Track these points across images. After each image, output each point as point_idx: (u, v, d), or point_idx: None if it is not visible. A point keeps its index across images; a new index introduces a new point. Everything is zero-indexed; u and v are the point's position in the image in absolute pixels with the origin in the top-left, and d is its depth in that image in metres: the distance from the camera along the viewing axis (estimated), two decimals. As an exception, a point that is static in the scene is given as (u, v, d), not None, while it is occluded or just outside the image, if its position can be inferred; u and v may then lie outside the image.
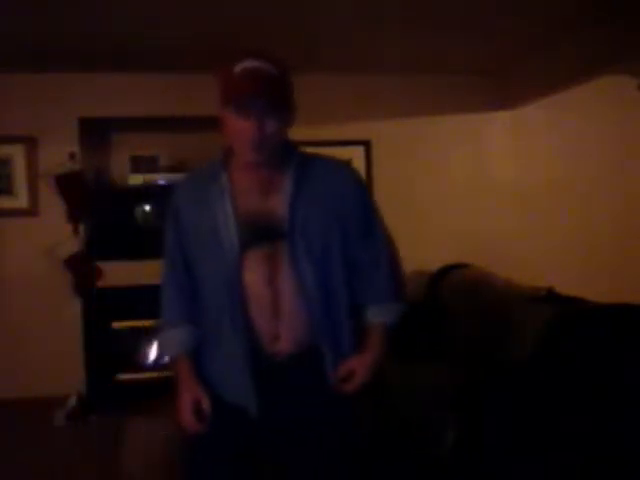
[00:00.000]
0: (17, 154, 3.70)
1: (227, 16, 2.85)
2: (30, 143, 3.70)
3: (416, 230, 4.09)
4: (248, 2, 2.68)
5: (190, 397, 1.48)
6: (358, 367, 1.51)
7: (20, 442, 3.12)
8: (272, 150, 1.41)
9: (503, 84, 4.11)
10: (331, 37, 3.24)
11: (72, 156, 3.69)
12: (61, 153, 3.67)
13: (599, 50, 3.09)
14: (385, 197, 4.08)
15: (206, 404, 1.48)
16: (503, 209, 4.21)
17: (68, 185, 3.67)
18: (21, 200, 3.72)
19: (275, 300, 1.42)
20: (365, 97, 4.02)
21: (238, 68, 1.37)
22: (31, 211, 3.72)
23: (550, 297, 2.65)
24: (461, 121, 4.16)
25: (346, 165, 1.66)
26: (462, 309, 3.25)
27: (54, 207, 3.69)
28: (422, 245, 4.05)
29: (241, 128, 1.37)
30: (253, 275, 1.43)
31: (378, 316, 1.59)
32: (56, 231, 3.68)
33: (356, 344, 1.54)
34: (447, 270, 3.79)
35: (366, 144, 4.03)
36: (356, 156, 4.02)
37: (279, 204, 1.44)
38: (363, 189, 1.59)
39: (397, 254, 1.68)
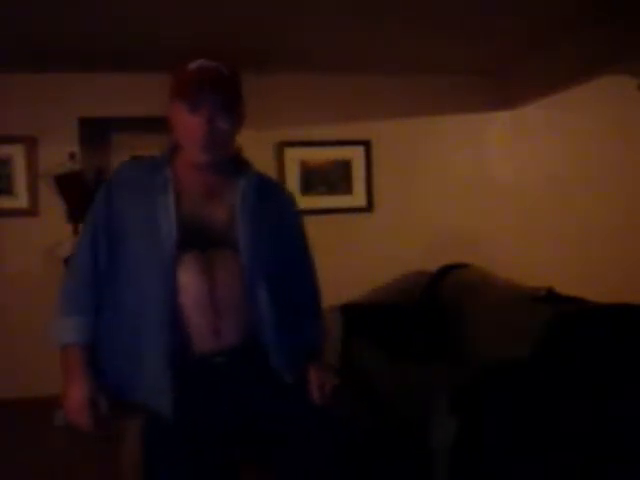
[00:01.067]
0: (17, 154, 3.70)
1: (227, 16, 2.85)
2: (30, 143, 3.70)
3: (416, 230, 4.09)
4: (248, 2, 2.69)
5: (82, 393, 1.40)
6: (318, 379, 1.55)
7: (20, 442, 3.12)
8: (221, 152, 1.41)
9: (503, 84, 4.11)
10: (331, 37, 3.24)
11: (72, 156, 3.69)
12: (61, 153, 3.67)
13: (599, 50, 3.09)
14: (385, 197, 4.12)
15: (103, 405, 1.41)
16: (503, 209, 4.21)
17: (68, 185, 3.67)
18: (21, 200, 3.72)
19: (213, 301, 1.39)
20: (365, 97, 4.02)
21: (192, 65, 1.40)
22: (31, 211, 3.72)
23: (550, 297, 2.66)
24: (461, 121, 4.16)
25: (286, 187, 1.72)
26: (462, 309, 3.25)
27: (54, 207, 3.69)
28: (422, 245, 4.06)
29: (191, 124, 1.36)
30: (189, 273, 1.38)
31: (321, 333, 1.63)
32: (56, 231, 3.68)
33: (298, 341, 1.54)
34: (447, 270, 3.79)
35: (366, 144, 4.03)
36: (356, 156, 4.02)
37: (222, 212, 1.42)
38: (299, 214, 1.64)
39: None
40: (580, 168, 4.28)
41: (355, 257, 4.01)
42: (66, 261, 3.64)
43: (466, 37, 3.29)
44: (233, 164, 1.49)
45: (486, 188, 4.20)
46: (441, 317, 3.48)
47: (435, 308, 3.61)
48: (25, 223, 3.72)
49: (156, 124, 3.98)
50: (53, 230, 3.69)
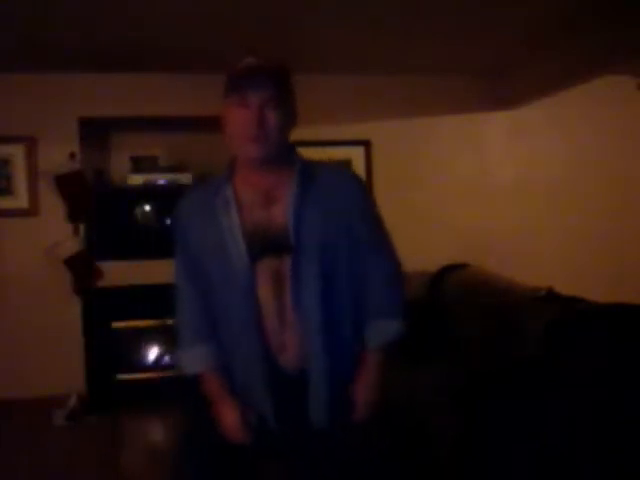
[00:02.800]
0: (17, 154, 3.70)
1: (227, 17, 2.85)
2: (30, 143, 3.70)
3: (416, 230, 4.09)
4: (248, 2, 2.69)
5: (234, 412, 1.48)
6: (358, 395, 1.50)
7: (20, 442, 3.12)
8: (272, 148, 1.38)
9: (503, 84, 4.11)
10: (331, 38, 3.24)
11: (72, 156, 3.69)
12: (61, 153, 3.67)
13: (599, 50, 3.09)
14: (385, 197, 4.08)
15: (251, 416, 1.48)
16: (503, 209, 4.21)
17: (68, 185, 3.67)
18: (21, 200, 3.72)
19: (281, 312, 1.41)
20: (365, 97, 4.02)
21: (242, 63, 1.40)
22: (31, 211, 3.72)
23: (550, 297, 2.66)
24: (461, 121, 4.16)
25: (350, 173, 1.61)
26: (462, 309, 3.25)
27: (54, 207, 3.69)
28: (422, 245, 4.05)
29: (240, 118, 1.36)
30: (262, 287, 1.41)
31: (379, 335, 1.54)
32: (56, 231, 3.68)
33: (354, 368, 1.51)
34: (447, 270, 3.79)
35: (366, 144, 4.03)
36: (356, 156, 4.02)
37: (282, 215, 1.40)
38: (369, 199, 1.55)
39: (402, 269, 1.67)
40: (580, 168, 4.28)
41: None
42: (66, 261, 3.65)
43: (466, 37, 3.29)
44: (286, 161, 1.46)
45: (486, 188, 4.20)
46: (441, 317, 3.48)
47: (435, 308, 3.61)
48: (25, 223, 3.72)
49: (156, 124, 4.00)
50: (53, 230, 3.69)
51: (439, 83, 4.11)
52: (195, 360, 1.53)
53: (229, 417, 1.48)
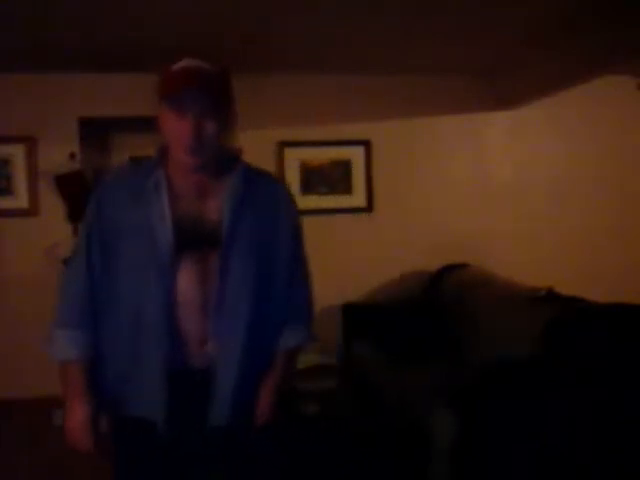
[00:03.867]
0: (17, 154, 3.70)
1: (227, 16, 2.85)
2: (30, 143, 3.70)
3: (416, 230, 4.09)
4: (248, 3, 2.68)
5: (84, 413, 1.39)
6: (263, 395, 1.48)
7: (20, 442, 3.12)
8: (210, 154, 1.36)
9: (503, 84, 4.11)
10: (331, 38, 3.23)
11: (72, 156, 3.69)
12: (61, 153, 3.67)
13: (599, 50, 3.09)
14: (385, 197, 4.12)
15: (103, 424, 1.42)
16: (503, 209, 4.21)
17: (68, 185, 3.67)
18: (21, 200, 3.72)
19: (203, 305, 1.37)
20: (365, 97, 4.02)
21: (177, 66, 1.35)
22: (31, 211, 3.72)
23: (550, 297, 2.66)
24: (461, 121, 4.16)
25: (283, 184, 1.62)
26: (462, 309, 3.25)
27: (54, 207, 3.69)
28: (422, 245, 4.05)
29: (177, 128, 1.31)
30: (183, 278, 1.36)
31: (289, 339, 1.52)
32: (56, 231, 3.68)
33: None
34: (447, 270, 3.79)
35: (366, 144, 4.03)
36: (356, 156, 4.02)
37: (216, 210, 1.39)
38: (296, 211, 1.55)
39: (310, 280, 1.61)
40: (580, 168, 4.28)
41: (355, 257, 4.01)
42: (65, 261, 3.64)
43: (465, 37, 3.29)
44: (225, 162, 1.44)
45: (486, 188, 4.20)
46: (441, 317, 3.48)
47: (435, 308, 3.61)
48: (25, 223, 3.72)
49: (156, 124, 4.00)
50: (53, 230, 3.69)
51: (439, 83, 4.11)
52: (70, 346, 1.42)
53: (77, 416, 1.40)
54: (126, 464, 1.47)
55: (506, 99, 4.11)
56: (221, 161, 1.42)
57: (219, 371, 1.39)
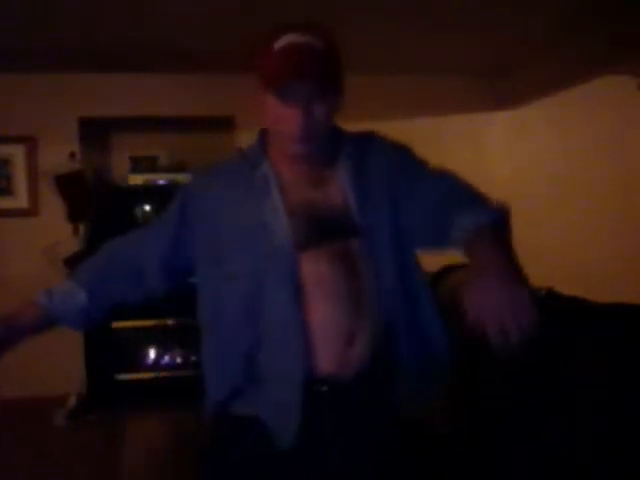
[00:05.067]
0: (17, 154, 3.70)
1: (227, 17, 2.85)
2: (30, 143, 3.70)
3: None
4: (248, 2, 2.69)
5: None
6: (484, 292, 1.05)
7: (20, 442, 3.12)
8: (320, 141, 1.21)
9: (503, 84, 4.11)
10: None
11: (72, 156, 3.69)
12: (61, 153, 3.67)
13: (599, 50, 3.09)
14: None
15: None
16: (503, 209, 4.21)
17: (68, 185, 3.67)
18: (21, 200, 3.72)
19: (354, 308, 1.17)
20: (365, 97, 4.02)
21: (279, 44, 1.14)
22: (31, 211, 3.72)
23: (550, 297, 2.65)
24: (461, 121, 4.16)
25: (379, 135, 1.41)
26: (462, 309, 3.25)
27: (54, 207, 3.69)
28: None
29: (284, 116, 1.14)
30: (312, 277, 1.16)
31: (470, 220, 1.25)
32: (56, 231, 3.68)
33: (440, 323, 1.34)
34: (447, 270, 3.79)
35: (366, 144, 4.03)
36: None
37: (338, 195, 1.22)
38: (407, 150, 1.36)
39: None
40: (580, 168, 4.28)
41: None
42: (65, 261, 3.64)
43: (466, 37, 3.29)
44: (334, 142, 1.28)
45: (486, 188, 4.15)
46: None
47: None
48: (25, 223, 3.72)
49: (156, 124, 4.00)
50: (53, 230, 3.69)
51: (439, 83, 4.11)
52: (49, 292, 1.31)
53: None
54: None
55: (506, 99, 4.12)
56: (331, 146, 1.27)
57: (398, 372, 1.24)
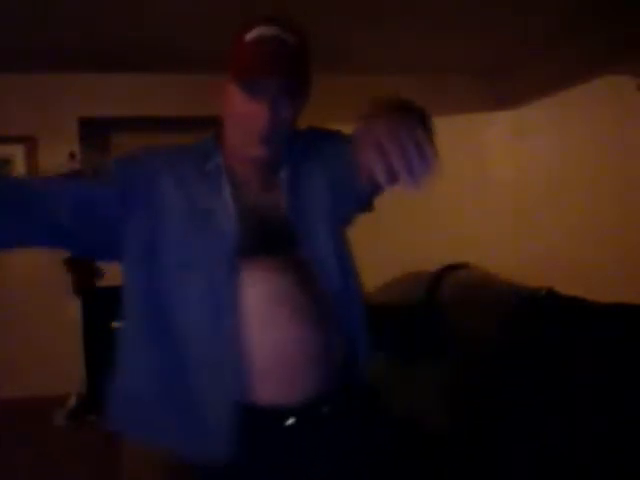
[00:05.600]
0: (17, 154, 3.70)
1: (227, 17, 2.85)
2: (30, 143, 3.70)
3: (416, 230, 4.09)
4: (249, 2, 2.69)
5: None
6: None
7: (20, 442, 3.12)
8: (280, 145, 1.12)
9: (503, 84, 4.11)
10: (331, 37, 3.23)
11: (72, 156, 3.69)
12: (61, 153, 3.67)
13: (599, 50, 3.10)
14: (384, 197, 4.11)
15: None
16: (503, 209, 4.21)
17: (68, 185, 3.67)
18: (21, 200, 3.73)
19: (307, 310, 1.08)
20: (365, 97, 4.01)
21: (250, 35, 1.07)
22: (31, 211, 3.72)
23: (550, 297, 2.66)
24: (461, 121, 4.16)
25: (317, 129, 1.32)
26: (462, 309, 3.25)
27: (54, 207, 3.69)
28: (422, 245, 4.05)
29: (249, 112, 1.06)
30: (254, 288, 1.05)
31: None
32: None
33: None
34: (447, 270, 3.79)
35: (366, 144, 4.03)
36: (356, 156, 4.02)
37: (282, 204, 1.13)
38: (336, 135, 1.27)
39: None
40: (580, 168, 4.28)
41: (355, 257, 4.01)
42: (65, 261, 3.64)
43: (466, 37, 3.29)
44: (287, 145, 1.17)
45: (486, 188, 4.20)
46: (441, 317, 3.48)
47: (435, 308, 3.61)
48: (25, 223, 3.72)
49: (156, 124, 4.00)
50: (53, 230, 3.68)
51: (439, 83, 4.10)
52: None
53: None
54: None
55: (506, 99, 4.12)
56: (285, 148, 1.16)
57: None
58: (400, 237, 4.07)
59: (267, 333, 1.05)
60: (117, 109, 3.75)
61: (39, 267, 3.69)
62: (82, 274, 3.67)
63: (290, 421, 1.07)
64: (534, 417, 2.18)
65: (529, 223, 4.21)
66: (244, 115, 1.07)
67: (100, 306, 3.71)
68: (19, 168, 3.71)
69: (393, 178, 0.85)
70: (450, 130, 4.11)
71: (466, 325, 3.12)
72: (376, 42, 3.35)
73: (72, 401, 3.48)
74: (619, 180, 4.32)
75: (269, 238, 1.10)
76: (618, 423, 2.20)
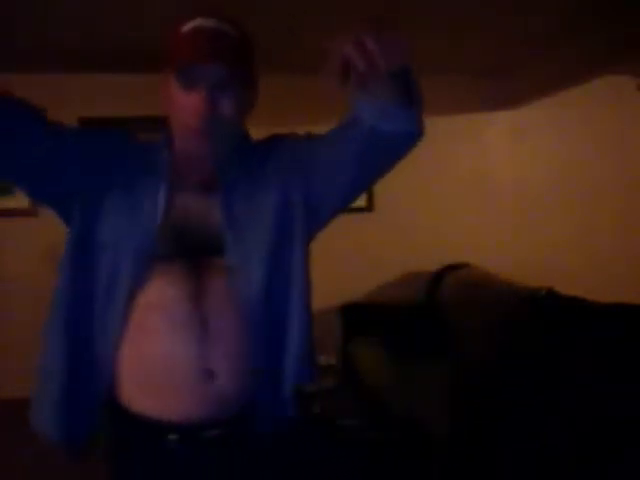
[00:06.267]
0: (17, 154, 3.71)
1: (227, 16, 2.85)
2: (30, 143, 3.70)
3: (416, 230, 4.09)
4: (249, 2, 2.68)
5: None
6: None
7: (20, 442, 3.12)
8: (223, 142, 1.07)
9: (503, 84, 4.11)
10: (331, 37, 3.23)
11: (72, 156, 3.69)
12: (61, 153, 3.67)
13: (599, 50, 3.09)
14: (385, 197, 4.11)
15: None
16: (503, 209, 4.21)
17: (68, 185, 3.67)
18: (21, 200, 3.72)
19: (203, 331, 1.02)
20: (365, 97, 4.02)
21: (188, 27, 1.09)
22: (31, 211, 3.71)
23: (550, 297, 2.66)
24: (461, 121, 4.16)
25: (279, 136, 1.29)
26: (462, 309, 3.25)
27: (54, 207, 3.69)
28: (422, 245, 4.05)
29: (186, 104, 1.04)
30: (171, 290, 1.03)
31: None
32: (56, 231, 3.67)
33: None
34: (447, 270, 3.79)
35: (366, 144, 4.03)
36: (356, 156, 4.02)
37: (217, 211, 1.08)
38: (285, 138, 1.26)
39: None
40: (580, 168, 4.28)
41: (355, 257, 4.01)
42: (66, 261, 3.65)
43: (466, 37, 3.29)
44: (238, 150, 1.14)
45: (486, 188, 4.20)
46: (441, 317, 3.48)
47: (435, 308, 3.61)
48: (25, 223, 3.71)
49: (156, 124, 4.00)
50: (53, 230, 3.67)
51: (439, 83, 4.09)
52: None
53: None
54: None
55: (506, 99, 4.11)
56: (237, 151, 1.13)
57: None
58: (400, 237, 4.08)
59: (154, 343, 1.03)
60: (117, 109, 3.75)
61: (39, 267, 3.69)
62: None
63: (172, 437, 1.05)
64: (534, 417, 2.18)
65: (529, 223, 4.21)
66: (181, 107, 1.05)
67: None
68: (19, 168, 3.71)
69: (371, 64, 0.87)
70: (450, 130, 4.13)
71: (466, 325, 3.13)
72: (376, 42, 3.35)
73: (72, 401, 3.48)
74: (619, 179, 4.32)
75: (190, 242, 1.06)
76: (618, 422, 2.20)
